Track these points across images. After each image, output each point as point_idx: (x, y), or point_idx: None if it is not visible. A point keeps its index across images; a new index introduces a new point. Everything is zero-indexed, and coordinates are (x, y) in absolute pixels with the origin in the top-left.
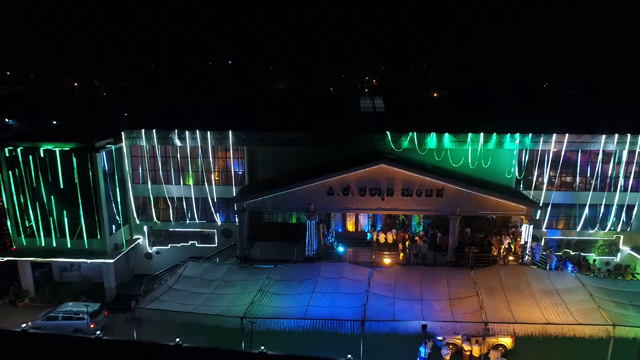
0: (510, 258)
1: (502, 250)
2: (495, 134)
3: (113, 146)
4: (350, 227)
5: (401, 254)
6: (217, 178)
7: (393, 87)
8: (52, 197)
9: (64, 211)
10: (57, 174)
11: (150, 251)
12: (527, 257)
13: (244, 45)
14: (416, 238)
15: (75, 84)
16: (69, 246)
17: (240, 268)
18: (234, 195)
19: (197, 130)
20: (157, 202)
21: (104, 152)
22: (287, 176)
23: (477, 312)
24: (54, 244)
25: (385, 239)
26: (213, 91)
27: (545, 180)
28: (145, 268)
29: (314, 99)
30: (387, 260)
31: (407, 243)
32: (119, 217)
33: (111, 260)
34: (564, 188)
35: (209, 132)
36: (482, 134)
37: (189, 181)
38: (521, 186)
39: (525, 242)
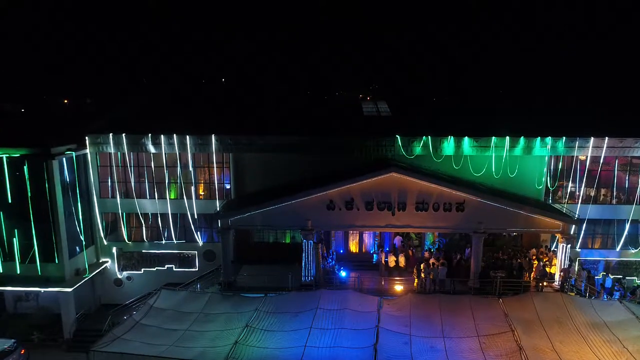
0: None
1: (532, 274)
2: (523, 137)
3: (74, 153)
4: (354, 247)
5: (415, 280)
6: (201, 193)
7: (398, 90)
8: None
9: (14, 230)
10: (4, 186)
11: (120, 277)
12: (568, 282)
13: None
14: (432, 260)
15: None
16: (18, 272)
17: (223, 298)
18: (218, 210)
19: (175, 135)
20: (128, 219)
21: (64, 159)
22: (279, 188)
23: (516, 353)
24: (1, 270)
25: (396, 261)
26: (196, 92)
27: (581, 191)
28: (114, 296)
29: (309, 103)
30: (398, 287)
31: (422, 266)
32: (82, 237)
33: (69, 289)
34: (602, 201)
35: (188, 137)
36: (507, 138)
37: (166, 195)
38: (549, 199)
39: (571, 265)
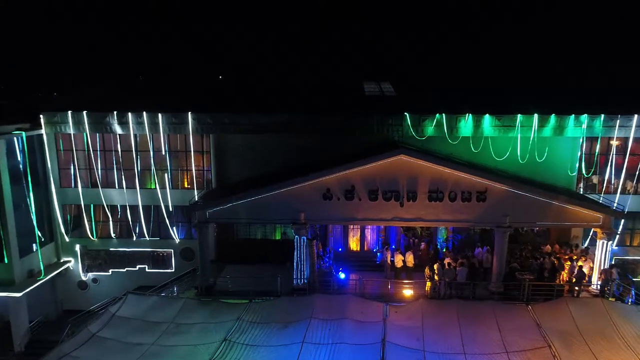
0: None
1: (567, 277)
2: (553, 115)
3: (24, 133)
4: (354, 245)
5: (428, 283)
6: (187, 180)
7: (403, 70)
8: None
9: None
10: None
11: (84, 279)
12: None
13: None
14: (447, 260)
15: None
16: None
17: (199, 304)
18: (195, 200)
19: (144, 113)
20: (93, 212)
21: (14, 140)
22: (268, 177)
23: None
24: None
25: (404, 261)
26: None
27: (621, 179)
28: (79, 301)
29: (303, 81)
30: (407, 292)
31: (435, 266)
32: (39, 233)
33: (19, 294)
34: None
35: (160, 115)
36: (536, 116)
37: (136, 184)
38: (581, 188)
39: (613, 266)
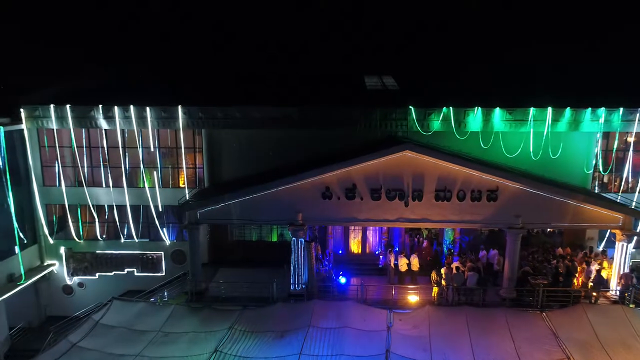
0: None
1: (583, 281)
2: (569, 108)
3: (3, 128)
4: (355, 247)
5: (435, 288)
6: (178, 179)
7: (407, 64)
8: None
9: None
10: None
11: (69, 283)
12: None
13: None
14: (455, 264)
15: None
16: None
17: (190, 311)
18: (186, 200)
19: (132, 106)
20: (79, 212)
21: None
22: (263, 175)
23: None
24: None
25: (409, 264)
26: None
27: None
28: (64, 307)
29: (300, 75)
30: (413, 298)
31: (442, 270)
32: (20, 235)
33: None
34: None
35: (148, 109)
36: (549, 110)
37: (124, 183)
38: (596, 186)
39: (634, 269)
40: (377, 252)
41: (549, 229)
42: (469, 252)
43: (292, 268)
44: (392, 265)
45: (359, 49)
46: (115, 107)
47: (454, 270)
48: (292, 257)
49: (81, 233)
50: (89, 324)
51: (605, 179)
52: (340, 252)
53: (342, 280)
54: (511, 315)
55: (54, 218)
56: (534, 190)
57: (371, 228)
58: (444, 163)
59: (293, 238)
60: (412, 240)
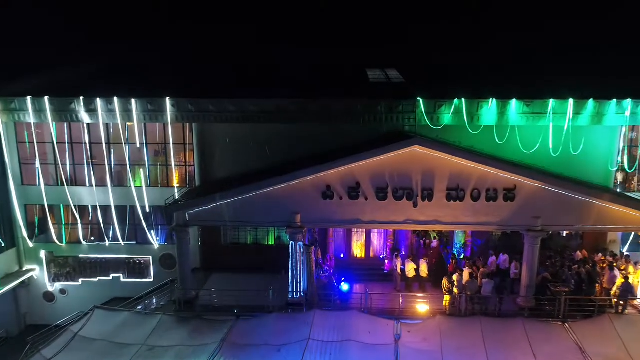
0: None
1: (607, 288)
2: (592, 100)
3: None
4: (358, 250)
5: (446, 297)
6: (167, 177)
7: (412, 56)
8: None
9: None
10: None
11: (51, 289)
12: None
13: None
14: (467, 270)
15: None
16: None
17: (178, 322)
18: (175, 199)
19: (115, 98)
20: (60, 213)
21: None
22: (259, 172)
23: None
24: None
25: (416, 270)
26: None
27: None
28: (45, 315)
29: (295, 67)
30: (422, 307)
31: (454, 277)
32: None
33: None
34: None
35: (133, 101)
36: (571, 101)
37: (108, 181)
38: (618, 185)
39: None
40: (381, 257)
41: (567, 232)
42: (478, 257)
43: (290, 274)
44: (399, 270)
45: (359, 40)
46: (98, 99)
47: (467, 277)
48: (290, 262)
49: (63, 236)
50: (67, 337)
51: (622, 177)
52: (341, 256)
53: (345, 287)
54: (531, 327)
55: (35, 220)
56: (556, 189)
57: (375, 230)
58: (458, 159)
59: (291, 242)
60: (419, 242)
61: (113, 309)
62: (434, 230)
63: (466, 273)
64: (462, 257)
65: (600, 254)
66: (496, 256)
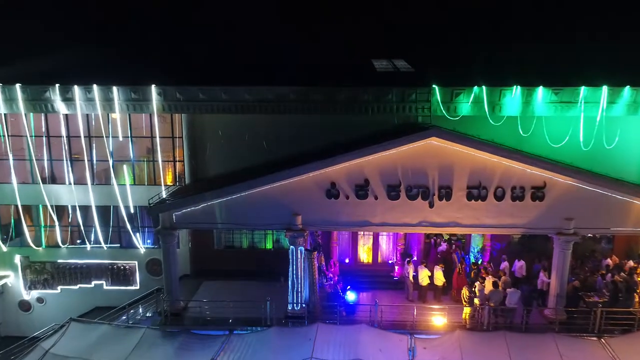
0: None
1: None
2: (628, 87)
3: None
4: (365, 255)
5: (466, 308)
6: (154, 175)
7: (421, 45)
8: None
9: None
10: None
11: (27, 298)
12: None
13: None
14: (489, 278)
15: None
16: None
17: (164, 337)
18: (163, 198)
19: (95, 86)
20: (36, 214)
21: None
22: (255, 169)
23: None
24: None
25: (431, 277)
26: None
27: None
28: (21, 326)
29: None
30: (438, 320)
31: (475, 286)
32: None
33: None
34: None
35: (115, 89)
36: (604, 89)
37: (88, 179)
38: None
39: None
40: (391, 262)
41: (596, 235)
42: (489, 263)
43: (290, 282)
44: (411, 278)
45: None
46: (75, 87)
47: (490, 286)
48: (290, 269)
49: (41, 239)
50: (36, 354)
51: None
52: (346, 261)
53: (351, 297)
54: (562, 343)
55: (11, 221)
56: (592, 187)
57: (384, 233)
58: (481, 153)
59: (291, 246)
60: (431, 242)
61: (91, 321)
62: (447, 235)
63: (488, 282)
64: (480, 262)
65: (630, 261)
66: (508, 262)
